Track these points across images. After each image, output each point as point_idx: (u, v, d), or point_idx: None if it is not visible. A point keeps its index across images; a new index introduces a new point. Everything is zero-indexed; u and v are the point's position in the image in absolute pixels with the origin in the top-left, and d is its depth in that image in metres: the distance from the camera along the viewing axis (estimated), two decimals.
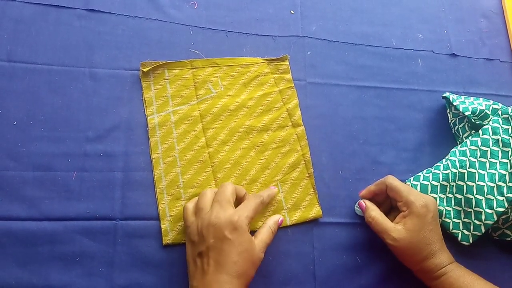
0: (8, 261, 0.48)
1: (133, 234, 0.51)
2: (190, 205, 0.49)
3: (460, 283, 0.47)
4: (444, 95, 0.61)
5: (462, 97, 0.61)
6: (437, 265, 0.48)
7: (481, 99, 0.60)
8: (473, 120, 0.58)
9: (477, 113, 0.58)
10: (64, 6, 0.57)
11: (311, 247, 0.54)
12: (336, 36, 0.64)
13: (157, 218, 0.52)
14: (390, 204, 0.55)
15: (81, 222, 0.50)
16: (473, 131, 0.60)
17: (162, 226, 0.51)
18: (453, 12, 0.70)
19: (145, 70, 0.56)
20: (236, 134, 0.57)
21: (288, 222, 0.55)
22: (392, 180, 0.52)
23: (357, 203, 0.55)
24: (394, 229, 0.49)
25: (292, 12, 0.64)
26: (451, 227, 0.55)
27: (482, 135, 0.57)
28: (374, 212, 0.51)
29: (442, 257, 0.49)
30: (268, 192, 0.52)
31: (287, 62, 0.61)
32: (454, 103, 0.59)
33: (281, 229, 0.53)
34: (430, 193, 0.56)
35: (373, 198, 0.55)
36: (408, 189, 0.51)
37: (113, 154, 0.53)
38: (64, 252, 0.49)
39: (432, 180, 0.57)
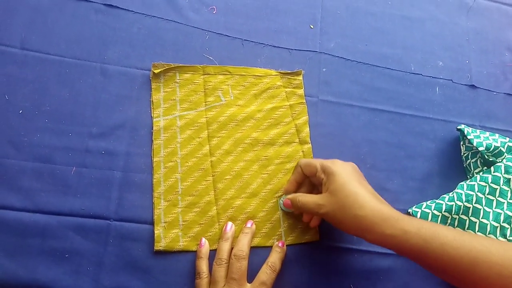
0: None
1: (125, 236, 0.50)
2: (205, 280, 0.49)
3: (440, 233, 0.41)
4: (459, 127, 0.59)
5: (478, 131, 0.59)
6: (391, 215, 0.42)
7: (497, 135, 0.58)
8: (486, 156, 0.56)
9: (491, 149, 0.56)
10: None
11: (306, 269, 0.53)
12: (354, 55, 0.63)
13: (151, 223, 0.51)
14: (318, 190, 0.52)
15: (74, 218, 0.49)
16: (485, 167, 0.58)
17: (155, 231, 0.50)
18: (477, 42, 0.68)
19: (156, 71, 0.55)
20: (241, 145, 0.56)
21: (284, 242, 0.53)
22: (303, 159, 0.51)
23: (282, 200, 0.54)
24: (321, 198, 0.47)
25: (312, 26, 0.63)
26: None
27: (493, 172, 0.55)
28: (301, 197, 0.49)
29: (378, 210, 0.43)
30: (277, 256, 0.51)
31: (300, 77, 0.60)
32: (469, 137, 0.57)
33: None
34: (430, 220, 0.54)
35: (298, 190, 0.53)
36: (321, 159, 0.49)
37: (114, 152, 0.52)
38: (54, 247, 0.48)
39: (434, 209, 0.55)
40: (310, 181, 0.53)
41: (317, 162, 0.49)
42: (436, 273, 0.43)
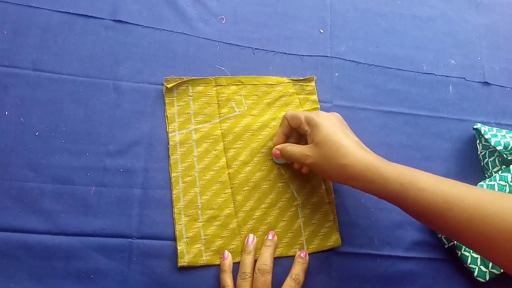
0: (23, 274, 0.48)
1: (148, 254, 0.50)
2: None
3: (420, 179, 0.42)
4: (475, 126, 0.59)
5: (494, 129, 0.58)
6: (360, 170, 0.44)
7: None
8: (504, 155, 0.56)
9: (509, 148, 0.56)
10: (92, 16, 0.56)
11: (328, 277, 0.53)
12: (365, 58, 0.62)
13: (174, 239, 0.51)
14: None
15: (97, 238, 0.50)
16: (504, 166, 0.57)
17: (178, 247, 0.50)
18: (488, 38, 0.67)
19: (169, 86, 0.55)
20: (258, 155, 0.56)
21: (306, 251, 0.53)
22: (290, 112, 0.52)
23: (273, 154, 0.55)
24: (306, 149, 0.48)
25: (322, 31, 0.62)
26: (469, 261, 0.54)
27: None
28: (289, 147, 0.51)
29: (362, 160, 0.44)
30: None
31: (313, 83, 0.59)
32: (486, 136, 0.57)
33: None
34: None
35: (288, 141, 0.54)
36: (307, 112, 0.51)
37: (132, 169, 0.52)
38: (79, 268, 0.48)
39: None
40: (297, 132, 0.54)
41: (302, 114, 0.50)
42: (414, 217, 0.44)
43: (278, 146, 0.53)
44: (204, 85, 0.57)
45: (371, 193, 0.45)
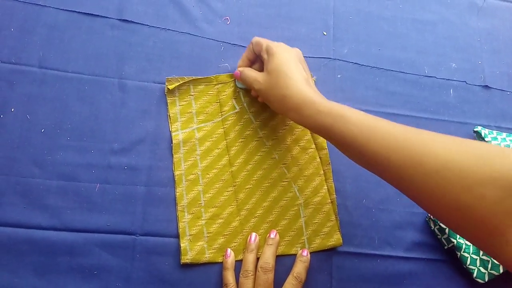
0: (27, 269, 0.48)
1: (151, 251, 0.51)
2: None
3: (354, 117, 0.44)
4: (475, 129, 0.60)
5: (494, 132, 0.59)
6: (302, 101, 0.46)
7: None
8: None
9: None
10: (98, 15, 0.57)
11: (329, 276, 0.54)
12: (367, 60, 0.63)
13: (177, 236, 0.51)
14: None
15: (101, 235, 0.50)
16: None
17: (181, 244, 0.51)
18: (488, 43, 0.68)
19: (170, 87, 0.55)
20: (259, 154, 0.56)
21: (308, 250, 0.54)
22: (256, 37, 0.54)
23: (234, 75, 0.57)
24: (260, 75, 0.51)
25: (325, 33, 0.63)
26: (468, 262, 0.54)
27: None
28: (246, 70, 0.54)
29: (306, 92, 0.46)
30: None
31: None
32: (486, 139, 0.57)
33: None
34: None
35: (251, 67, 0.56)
36: (270, 41, 0.52)
37: (137, 167, 0.53)
38: (82, 265, 0.49)
39: None
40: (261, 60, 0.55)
41: (265, 42, 0.52)
42: (341, 149, 0.46)
43: (240, 69, 0.55)
44: (205, 84, 0.57)
45: (308, 127, 0.48)
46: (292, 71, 0.48)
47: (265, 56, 0.51)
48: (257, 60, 0.56)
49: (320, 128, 0.45)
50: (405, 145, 0.39)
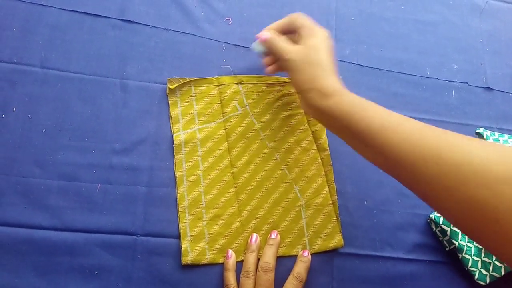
0: (28, 269, 0.48)
1: (152, 251, 0.50)
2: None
3: (353, 103, 0.46)
4: (477, 131, 0.59)
5: (496, 134, 0.59)
6: (331, 84, 0.47)
7: None
8: None
9: None
10: (100, 15, 0.57)
11: (331, 277, 0.53)
12: (369, 61, 0.63)
13: (178, 237, 0.51)
14: None
15: (101, 235, 0.50)
16: None
17: (182, 245, 0.51)
18: (490, 44, 0.68)
19: (172, 87, 0.55)
20: (260, 155, 0.56)
21: (309, 251, 0.54)
22: (300, 13, 0.52)
23: (257, 38, 0.54)
24: (293, 47, 0.50)
25: None
26: (469, 264, 0.54)
27: None
28: (279, 38, 0.51)
29: (336, 80, 0.48)
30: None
31: None
32: (488, 140, 0.57)
33: None
34: (453, 227, 0.55)
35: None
36: (312, 22, 0.51)
37: (138, 168, 0.53)
38: (83, 265, 0.49)
39: None
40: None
41: (309, 21, 0.51)
42: (352, 141, 0.46)
43: (272, 35, 0.52)
44: (207, 85, 0.57)
45: (320, 112, 0.47)
46: (331, 58, 0.49)
47: (305, 31, 0.50)
48: (286, 35, 0.54)
49: (338, 116, 0.45)
50: (422, 138, 0.39)
